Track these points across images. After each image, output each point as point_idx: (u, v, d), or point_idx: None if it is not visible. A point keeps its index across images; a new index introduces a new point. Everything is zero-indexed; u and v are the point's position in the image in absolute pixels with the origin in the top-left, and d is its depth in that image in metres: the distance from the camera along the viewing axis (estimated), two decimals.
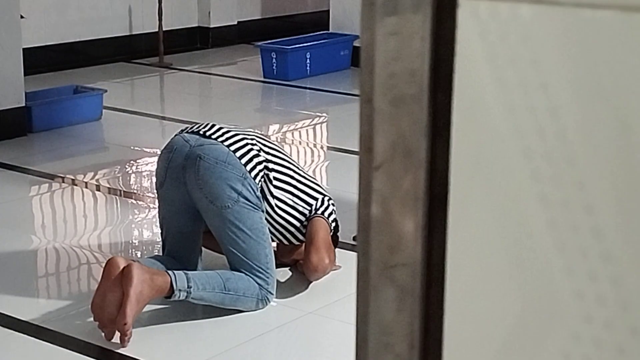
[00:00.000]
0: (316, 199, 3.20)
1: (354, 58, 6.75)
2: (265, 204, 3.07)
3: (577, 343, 0.67)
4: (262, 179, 3.06)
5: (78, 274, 3.36)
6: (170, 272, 2.84)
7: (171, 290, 2.81)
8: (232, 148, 3.03)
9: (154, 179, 3.21)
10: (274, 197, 3.09)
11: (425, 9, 0.68)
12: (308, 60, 6.47)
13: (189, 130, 3.12)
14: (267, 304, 2.98)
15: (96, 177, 4.34)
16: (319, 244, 3.08)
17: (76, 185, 4.23)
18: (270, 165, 3.09)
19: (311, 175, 3.39)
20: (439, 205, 0.70)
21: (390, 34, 0.70)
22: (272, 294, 2.99)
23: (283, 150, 3.28)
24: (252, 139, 3.11)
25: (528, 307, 0.68)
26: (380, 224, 0.72)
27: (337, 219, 3.26)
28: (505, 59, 0.67)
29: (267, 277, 2.97)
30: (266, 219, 3.06)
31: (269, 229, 3.06)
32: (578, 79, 0.65)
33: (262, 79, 6.42)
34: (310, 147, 5.02)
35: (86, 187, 4.22)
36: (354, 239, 3.53)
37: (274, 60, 6.38)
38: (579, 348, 0.67)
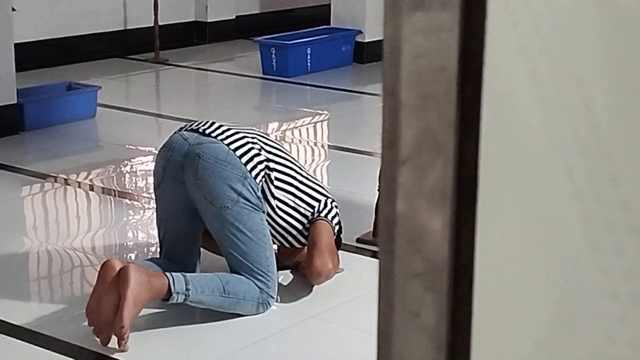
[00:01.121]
0: (319, 201, 3.16)
1: (356, 54, 6.70)
2: (266, 205, 3.02)
3: (611, 344, 0.65)
4: (263, 179, 3.01)
5: (72, 277, 3.34)
6: (168, 274, 2.81)
7: (169, 292, 2.79)
8: (232, 147, 2.98)
9: (151, 179, 3.18)
10: (275, 197, 3.04)
11: (454, 2, 0.66)
12: (309, 56, 6.41)
13: (188, 128, 3.08)
14: (267, 308, 2.95)
15: (90, 177, 4.32)
16: (322, 247, 3.03)
17: (69, 185, 4.21)
18: (272, 165, 3.05)
19: (314, 176, 3.33)
20: (468, 202, 0.68)
21: (418, 30, 0.68)
22: (272, 297, 2.95)
23: (285, 149, 3.22)
24: (253, 138, 3.06)
25: (561, 306, 0.66)
26: (405, 221, 0.70)
27: (341, 221, 3.20)
28: (537, 50, 0.65)
29: (268, 280, 2.93)
30: (267, 220, 3.01)
31: (269, 231, 3.02)
32: (612, 70, 0.64)
33: (261, 75, 6.39)
34: (311, 145, 4.99)
35: (79, 187, 4.20)
36: (357, 240, 3.51)
37: (273, 56, 6.33)
38: (614, 349, 0.65)
